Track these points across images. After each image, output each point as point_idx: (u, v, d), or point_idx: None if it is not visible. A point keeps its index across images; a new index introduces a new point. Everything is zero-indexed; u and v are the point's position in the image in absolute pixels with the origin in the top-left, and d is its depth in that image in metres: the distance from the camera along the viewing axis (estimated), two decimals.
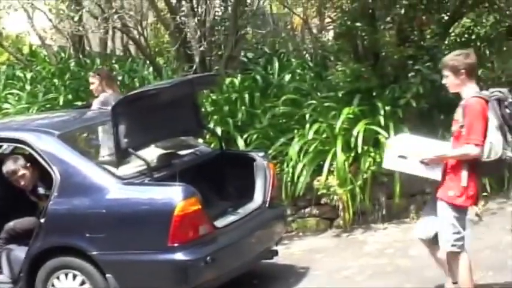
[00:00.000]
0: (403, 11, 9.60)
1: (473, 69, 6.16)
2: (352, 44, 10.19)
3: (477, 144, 5.91)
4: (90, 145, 7.86)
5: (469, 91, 6.08)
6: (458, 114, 6.13)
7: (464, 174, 6.01)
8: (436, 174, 6.14)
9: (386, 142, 6.39)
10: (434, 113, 9.72)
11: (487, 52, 10.73)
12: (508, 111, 6.02)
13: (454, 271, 6.29)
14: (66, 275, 6.73)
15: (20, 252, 7.06)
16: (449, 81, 6.18)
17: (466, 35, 10.75)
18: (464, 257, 6.21)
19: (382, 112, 9.18)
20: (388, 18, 9.88)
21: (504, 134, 6.00)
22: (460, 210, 6.12)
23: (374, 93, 9.64)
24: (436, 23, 9.82)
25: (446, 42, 10.49)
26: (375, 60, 9.98)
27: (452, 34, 10.80)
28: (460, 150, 6.03)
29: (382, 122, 9.05)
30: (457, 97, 6.15)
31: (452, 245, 6.14)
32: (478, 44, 10.69)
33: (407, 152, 6.21)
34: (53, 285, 6.80)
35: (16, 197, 7.55)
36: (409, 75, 9.56)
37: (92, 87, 9.91)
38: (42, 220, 6.74)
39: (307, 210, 9.37)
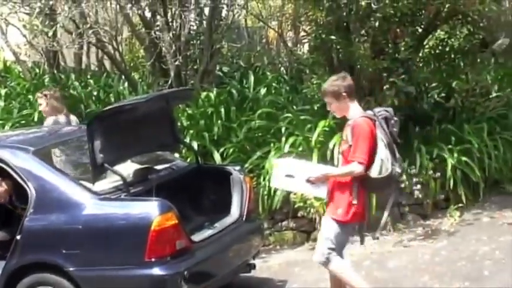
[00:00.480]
0: (377, 24, 9.64)
1: (353, 90, 6.39)
2: (327, 57, 10.22)
3: (361, 162, 6.16)
4: (65, 161, 7.81)
5: (355, 111, 6.34)
6: (346, 134, 6.34)
7: (354, 191, 6.21)
8: (321, 192, 6.44)
9: (273, 161, 6.57)
10: (409, 125, 9.78)
11: (461, 64, 10.79)
12: (394, 129, 6.30)
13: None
14: None
15: None
16: (334, 107, 6.44)
17: (440, 47, 10.83)
18: (337, 259, 6.38)
19: None
20: (363, 31, 9.92)
21: (392, 151, 6.26)
22: (343, 227, 6.33)
23: None
24: (410, 35, 9.87)
25: (420, 54, 10.57)
26: (350, 73, 9.93)
27: (427, 46, 10.89)
28: (345, 169, 6.29)
29: None
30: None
31: (326, 258, 6.36)
32: (452, 56, 10.77)
33: (294, 171, 6.43)
34: None
35: None
36: (384, 87, 9.60)
37: (40, 108, 9.77)
38: (18, 237, 6.70)
39: (284, 223, 9.40)
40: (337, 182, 6.31)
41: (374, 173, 6.16)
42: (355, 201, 6.21)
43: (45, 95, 9.64)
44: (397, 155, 6.31)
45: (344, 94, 6.28)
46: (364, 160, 6.13)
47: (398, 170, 6.28)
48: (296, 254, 8.98)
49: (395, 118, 6.36)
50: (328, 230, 6.36)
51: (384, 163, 6.18)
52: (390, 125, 6.30)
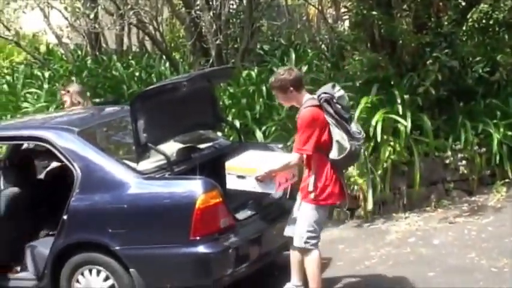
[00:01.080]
0: None
1: (300, 82, 6.54)
2: (368, 33, 10.15)
3: (298, 152, 6.42)
4: (109, 141, 7.87)
5: (302, 101, 6.47)
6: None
7: (322, 173, 6.42)
8: (270, 188, 6.64)
9: (226, 164, 6.75)
10: (453, 100, 9.69)
11: (506, 37, 10.64)
12: (338, 106, 6.38)
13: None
14: (90, 270, 6.75)
15: (43, 249, 7.07)
16: (281, 98, 6.62)
17: (483, 20, 10.70)
18: (315, 253, 6.58)
19: (400, 101, 9.15)
20: (405, 6, 9.83)
21: (345, 128, 6.37)
22: (319, 209, 6.51)
23: (392, 82, 9.60)
24: (453, 9, 9.76)
25: (464, 28, 10.43)
26: (392, 49, 9.93)
27: (470, 20, 10.73)
28: (283, 161, 6.54)
29: (401, 111, 9.02)
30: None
31: (306, 242, 6.50)
32: (497, 29, 10.63)
33: (244, 171, 6.63)
34: (77, 281, 6.82)
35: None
36: (427, 62, 9.50)
37: (65, 105, 9.57)
38: (64, 216, 6.76)
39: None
40: (310, 166, 6.48)
41: (334, 155, 6.37)
42: (320, 184, 6.43)
43: (68, 91, 9.50)
44: (352, 128, 6.44)
45: (291, 88, 6.47)
46: (303, 150, 6.37)
47: (356, 142, 6.41)
48: (340, 231, 8.96)
49: (337, 94, 6.41)
50: (305, 213, 6.54)
51: (340, 144, 6.36)
52: (333, 105, 6.37)
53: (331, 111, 6.35)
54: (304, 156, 6.46)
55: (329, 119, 6.35)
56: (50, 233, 7.35)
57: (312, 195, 6.48)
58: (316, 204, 6.51)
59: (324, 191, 6.48)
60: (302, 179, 6.66)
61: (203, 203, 6.29)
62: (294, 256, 6.74)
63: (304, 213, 6.56)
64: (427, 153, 9.20)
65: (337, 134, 6.36)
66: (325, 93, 6.40)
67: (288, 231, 6.72)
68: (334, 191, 6.51)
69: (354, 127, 6.51)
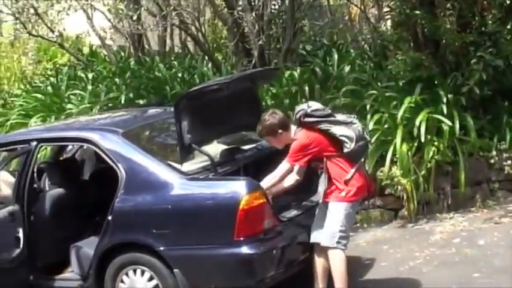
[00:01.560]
0: None
1: (287, 122, 6.79)
2: (411, 32, 10.08)
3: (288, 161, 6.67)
4: (153, 142, 7.91)
5: (293, 135, 6.74)
6: None
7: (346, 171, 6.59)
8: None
9: None
10: (497, 100, 9.59)
11: None
12: (318, 112, 6.69)
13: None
14: (135, 270, 6.80)
15: (88, 249, 7.14)
16: (274, 142, 6.86)
17: None
18: (342, 254, 6.65)
19: (444, 100, 9.08)
20: (448, 5, 9.76)
21: (339, 122, 6.68)
22: (350, 206, 6.64)
23: (435, 82, 9.52)
24: (498, 7, 9.66)
25: (508, 27, 10.29)
26: (435, 48, 9.86)
27: None
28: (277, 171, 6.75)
29: (445, 111, 8.95)
30: None
31: (337, 242, 6.59)
32: None
33: None
34: (122, 281, 6.87)
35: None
36: (471, 62, 9.41)
37: None
38: (109, 217, 6.82)
39: (371, 201, 9.30)
40: (328, 170, 6.61)
41: (348, 147, 6.57)
42: (348, 177, 6.56)
43: None
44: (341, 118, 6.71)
45: (279, 131, 6.69)
46: (292, 160, 6.64)
47: (357, 125, 6.69)
48: (384, 232, 8.93)
49: (312, 108, 6.68)
50: (336, 213, 6.59)
51: (345, 136, 6.59)
52: (314, 114, 6.65)
53: (316, 119, 6.62)
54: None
55: (321, 125, 6.60)
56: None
57: (343, 193, 6.56)
58: (347, 202, 6.57)
59: (352, 187, 6.56)
60: (320, 184, 6.73)
61: (247, 203, 6.29)
62: (319, 262, 6.75)
63: (334, 212, 6.59)
64: (472, 153, 9.12)
65: (338, 130, 6.60)
66: (298, 111, 6.70)
67: (315, 237, 6.72)
68: (360, 185, 6.64)
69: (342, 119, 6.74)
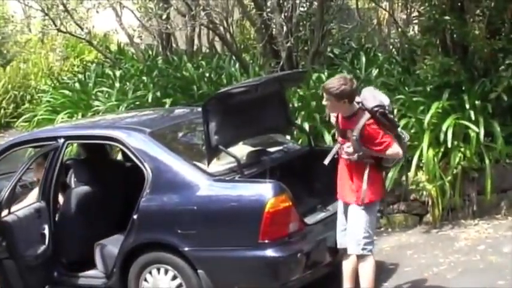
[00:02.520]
0: (493, 4, 9.44)
1: (355, 95, 6.51)
2: (440, 37, 10.05)
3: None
4: (180, 142, 7.94)
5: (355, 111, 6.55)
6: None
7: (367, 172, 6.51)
8: None
9: None
10: None
11: None
12: (390, 115, 6.57)
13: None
14: (159, 269, 6.83)
15: (113, 247, 7.17)
16: (331, 107, 6.64)
17: None
18: (371, 259, 6.61)
19: (471, 107, 9.04)
20: (478, 11, 9.72)
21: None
22: (369, 208, 6.57)
23: (463, 88, 9.49)
24: None
25: None
26: (464, 54, 9.82)
27: None
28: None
29: (473, 117, 8.91)
30: None
31: (363, 249, 6.55)
32: None
33: None
34: (145, 279, 6.91)
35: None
36: (500, 68, 9.38)
37: None
38: (134, 216, 6.85)
39: (396, 206, 9.29)
40: (351, 170, 6.56)
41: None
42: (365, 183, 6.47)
43: None
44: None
45: (345, 100, 6.42)
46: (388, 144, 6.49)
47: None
48: (408, 237, 8.89)
49: (386, 102, 6.53)
50: (357, 217, 6.53)
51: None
52: (388, 115, 6.52)
53: (387, 123, 6.47)
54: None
55: (384, 129, 6.46)
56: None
57: (362, 195, 6.48)
58: (366, 205, 6.50)
59: (370, 189, 6.48)
60: (341, 185, 6.71)
61: (273, 206, 6.30)
62: (347, 265, 6.72)
63: (355, 217, 6.54)
64: (498, 160, 9.07)
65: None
66: (378, 106, 6.44)
67: (342, 242, 6.70)
68: (378, 187, 6.60)
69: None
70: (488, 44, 9.37)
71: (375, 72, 11.02)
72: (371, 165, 6.50)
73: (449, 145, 8.74)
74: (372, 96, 6.53)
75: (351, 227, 6.57)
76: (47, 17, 16.21)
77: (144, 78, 13.30)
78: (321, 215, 7.04)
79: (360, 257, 6.57)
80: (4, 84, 18.53)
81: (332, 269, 7.07)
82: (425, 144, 8.78)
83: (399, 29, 13.06)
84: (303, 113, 10.05)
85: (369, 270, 6.57)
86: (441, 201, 8.84)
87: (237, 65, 13.09)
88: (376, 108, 6.42)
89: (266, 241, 6.35)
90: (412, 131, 9.13)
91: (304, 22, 12.69)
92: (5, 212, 6.99)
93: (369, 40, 14.23)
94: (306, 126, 9.57)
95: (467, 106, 9.06)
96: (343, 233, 6.68)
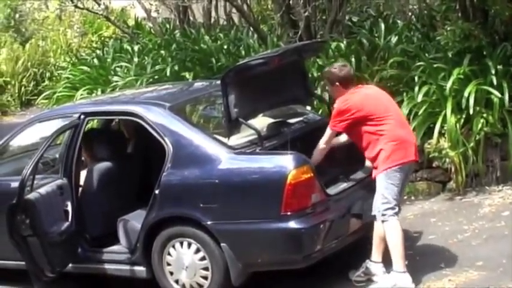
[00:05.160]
0: None
1: (348, 80, 6.85)
2: (460, 2, 9.93)
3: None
4: (200, 116, 7.91)
5: None
6: None
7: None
8: None
9: None
10: None
11: None
12: None
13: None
14: (182, 243, 6.84)
15: (135, 223, 7.19)
16: (329, 89, 7.12)
17: None
18: (393, 221, 6.65)
19: (493, 71, 8.94)
20: None
21: None
22: (388, 174, 6.63)
23: (484, 53, 9.38)
24: None
25: None
26: (485, 18, 9.70)
27: None
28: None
29: (495, 82, 8.81)
30: None
31: (383, 215, 6.59)
32: None
33: None
34: (169, 253, 6.92)
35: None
36: None
37: None
38: (156, 191, 6.85)
39: (418, 174, 9.23)
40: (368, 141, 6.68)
41: None
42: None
43: None
44: None
45: (337, 84, 6.73)
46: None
47: None
48: (431, 204, 8.86)
49: None
50: (378, 185, 6.63)
51: None
52: None
53: None
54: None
55: None
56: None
57: (380, 163, 6.56)
58: (384, 171, 6.56)
59: (388, 154, 6.55)
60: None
61: (294, 178, 6.28)
62: (376, 231, 6.74)
63: (376, 184, 6.64)
64: None
65: None
66: None
67: (374, 209, 6.73)
68: (400, 151, 6.60)
69: None
70: (509, 7, 9.25)
71: (394, 39, 10.91)
72: (381, 136, 6.59)
73: (471, 111, 8.66)
74: None
75: (375, 194, 6.62)
76: None
77: (162, 52, 13.26)
78: (343, 185, 7.00)
79: (384, 223, 6.57)
80: (24, 62, 18.62)
81: (361, 236, 7.07)
82: (449, 110, 8.69)
83: None
84: (322, 83, 9.98)
85: (392, 235, 6.56)
86: (464, 168, 8.77)
87: (255, 37, 13.01)
88: None
89: (288, 213, 6.33)
90: (433, 97, 9.06)
91: None
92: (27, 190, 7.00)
93: (388, 7, 14.07)
94: (326, 96, 9.50)
95: (489, 71, 8.96)
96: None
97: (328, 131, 6.78)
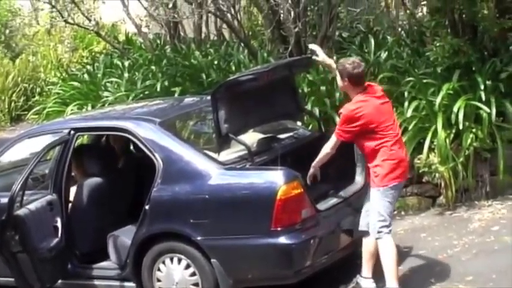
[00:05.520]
0: None
1: (357, 81, 6.73)
2: (449, 18, 9.97)
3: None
4: (190, 132, 7.92)
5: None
6: None
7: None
8: None
9: None
10: None
11: None
12: None
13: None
14: (172, 259, 6.84)
15: (126, 238, 7.18)
16: (339, 82, 6.81)
17: None
18: (388, 239, 6.64)
19: (482, 87, 8.97)
20: None
21: None
22: (385, 191, 6.61)
23: (473, 68, 9.42)
24: None
25: None
26: (474, 34, 9.75)
27: None
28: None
29: (484, 97, 8.85)
30: None
31: (378, 232, 6.58)
32: None
33: None
34: (159, 269, 6.91)
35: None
36: (510, 47, 9.31)
37: None
38: (146, 206, 6.84)
39: (408, 189, 9.23)
40: (368, 153, 6.62)
41: None
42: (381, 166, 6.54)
43: None
44: None
45: (346, 79, 6.61)
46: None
47: None
48: (421, 219, 8.87)
49: None
50: (373, 201, 6.59)
51: None
52: None
53: None
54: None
55: None
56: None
57: (376, 179, 6.53)
58: (381, 187, 6.53)
59: (386, 172, 6.51)
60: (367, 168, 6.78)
61: (284, 193, 6.29)
62: (366, 247, 6.74)
63: (372, 201, 6.61)
64: (510, 140, 9.00)
65: None
66: None
67: (363, 225, 6.73)
68: (397, 170, 6.57)
69: None
70: (498, 23, 9.31)
71: (384, 55, 10.95)
72: (381, 149, 6.53)
73: (460, 126, 8.68)
74: None
75: (370, 210, 6.63)
76: (54, 9, 16.20)
77: (153, 67, 13.26)
78: (333, 201, 7.01)
79: (378, 240, 6.58)
80: (14, 77, 18.60)
81: (350, 252, 7.09)
82: (439, 125, 8.71)
83: (407, 11, 12.95)
84: (312, 98, 10.02)
85: (387, 253, 6.56)
86: (454, 183, 8.78)
87: (246, 52, 13.02)
88: None
89: (279, 228, 6.33)
90: (423, 113, 9.09)
91: (312, 6, 12.62)
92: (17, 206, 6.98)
93: (378, 23, 14.12)
94: (316, 111, 9.53)
95: (478, 87, 8.99)
96: (364, 215, 6.73)
97: (333, 139, 6.68)
